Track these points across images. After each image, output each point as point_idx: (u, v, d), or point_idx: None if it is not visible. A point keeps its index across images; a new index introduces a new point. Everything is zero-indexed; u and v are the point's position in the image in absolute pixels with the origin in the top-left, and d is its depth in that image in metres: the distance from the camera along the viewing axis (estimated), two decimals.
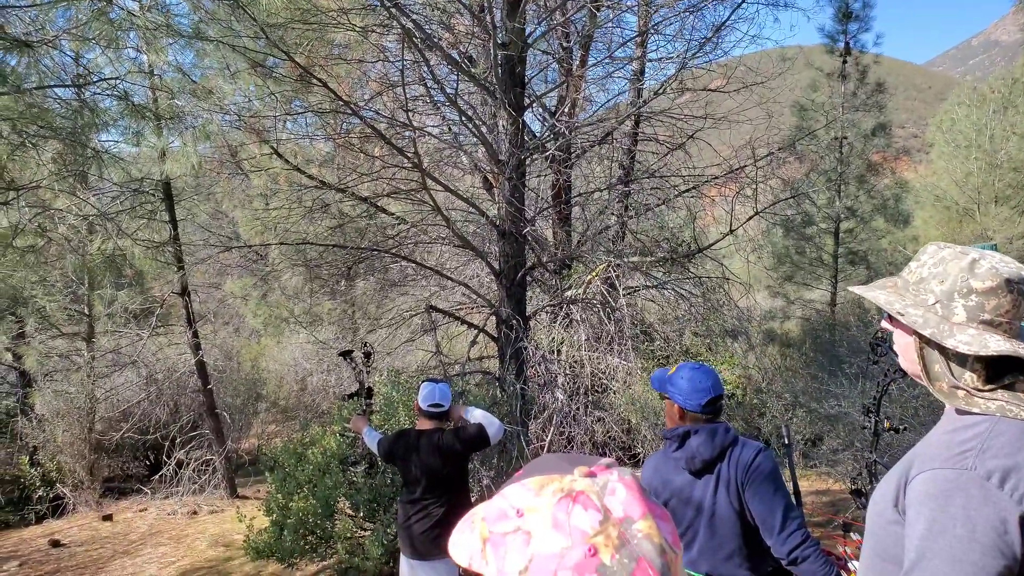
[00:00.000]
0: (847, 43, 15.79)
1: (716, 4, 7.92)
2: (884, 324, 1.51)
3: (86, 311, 11.12)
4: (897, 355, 1.51)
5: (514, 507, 0.76)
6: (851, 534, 3.49)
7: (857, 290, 1.55)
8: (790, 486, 3.05)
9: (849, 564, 2.82)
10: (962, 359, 1.35)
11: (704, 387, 2.53)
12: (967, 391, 1.34)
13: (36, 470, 10.01)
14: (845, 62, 15.86)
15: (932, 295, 1.39)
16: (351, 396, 5.39)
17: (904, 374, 1.73)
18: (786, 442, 3.37)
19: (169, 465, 10.05)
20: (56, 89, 6.45)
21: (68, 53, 6.47)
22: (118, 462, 11.32)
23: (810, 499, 7.87)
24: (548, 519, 0.73)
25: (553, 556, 0.71)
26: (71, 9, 5.89)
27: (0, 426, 11.11)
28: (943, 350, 1.37)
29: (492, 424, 3.93)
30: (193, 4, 7.26)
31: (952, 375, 1.36)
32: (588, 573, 0.70)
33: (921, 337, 1.40)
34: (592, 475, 0.77)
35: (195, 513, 9.41)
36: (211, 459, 10.08)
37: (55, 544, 8.46)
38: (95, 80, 6.84)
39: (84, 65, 7.09)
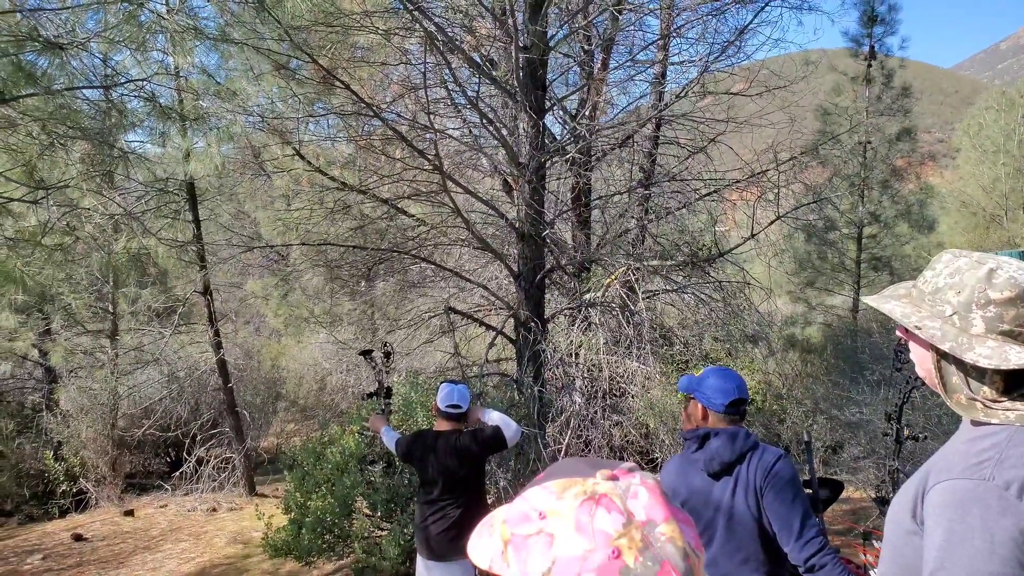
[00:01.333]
0: (872, 47, 15.57)
1: (739, 7, 7.84)
2: (899, 333, 1.48)
3: (110, 309, 11.26)
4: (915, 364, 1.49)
5: (536, 510, 0.76)
6: (872, 542, 3.46)
7: (871, 301, 1.51)
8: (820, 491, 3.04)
9: (870, 572, 2.80)
10: (981, 372, 1.33)
11: (728, 388, 2.56)
12: (984, 403, 1.33)
13: (60, 465, 10.12)
14: (870, 66, 15.65)
15: (949, 306, 1.36)
16: (370, 396, 5.41)
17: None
18: (806, 439, 3.36)
19: (189, 462, 10.15)
20: (85, 90, 6.53)
21: (97, 55, 6.55)
22: (140, 458, 11.43)
23: (829, 506, 7.78)
24: (571, 522, 0.73)
25: (576, 559, 0.71)
26: (101, 12, 5.98)
27: (26, 421, 11.26)
28: (961, 363, 1.34)
29: (509, 426, 3.93)
30: (219, 7, 7.33)
31: (970, 388, 1.35)
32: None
33: (938, 350, 1.38)
34: (614, 478, 0.77)
35: (214, 510, 9.49)
36: (231, 457, 10.16)
37: (78, 538, 8.57)
38: (123, 82, 6.93)
39: (112, 67, 7.18)
